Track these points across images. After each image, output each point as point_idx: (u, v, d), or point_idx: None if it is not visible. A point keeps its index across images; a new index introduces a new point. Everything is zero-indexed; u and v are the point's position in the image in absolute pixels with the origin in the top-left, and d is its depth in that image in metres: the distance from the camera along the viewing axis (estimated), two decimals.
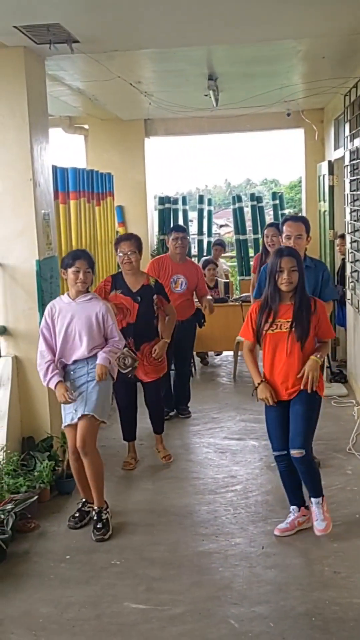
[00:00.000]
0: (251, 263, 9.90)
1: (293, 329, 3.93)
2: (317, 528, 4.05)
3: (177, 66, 6.19)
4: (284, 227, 4.70)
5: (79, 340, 4.24)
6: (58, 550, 4.06)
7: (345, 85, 6.86)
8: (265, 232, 6.33)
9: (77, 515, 4.39)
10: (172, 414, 6.52)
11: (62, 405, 4.27)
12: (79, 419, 4.18)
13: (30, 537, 4.21)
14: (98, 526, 4.22)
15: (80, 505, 4.44)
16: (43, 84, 5.22)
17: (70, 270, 4.22)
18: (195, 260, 10.27)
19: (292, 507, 4.19)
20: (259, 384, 4.03)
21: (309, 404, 3.98)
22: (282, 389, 4.01)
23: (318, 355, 3.99)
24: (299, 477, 4.10)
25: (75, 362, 4.28)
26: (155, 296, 5.19)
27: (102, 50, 5.11)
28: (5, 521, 4.00)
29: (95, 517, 4.27)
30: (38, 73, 5.09)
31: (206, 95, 7.16)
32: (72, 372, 4.29)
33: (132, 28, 4.58)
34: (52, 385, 4.23)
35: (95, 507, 4.30)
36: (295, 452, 3.94)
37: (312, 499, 4.09)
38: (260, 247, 6.72)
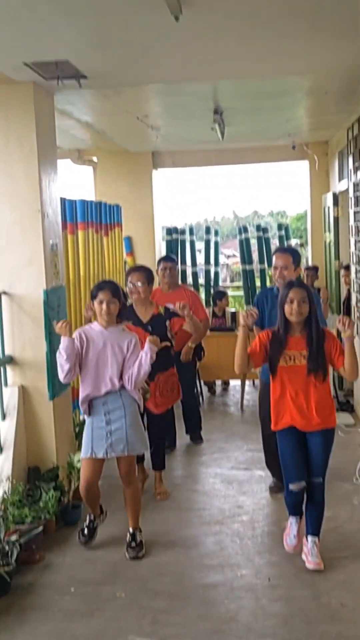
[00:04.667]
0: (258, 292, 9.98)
1: (307, 361, 3.95)
2: (312, 561, 4.04)
3: (183, 100, 6.31)
4: (273, 258, 4.95)
5: (110, 370, 4.24)
6: (63, 582, 4.03)
7: (349, 119, 6.97)
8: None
9: (86, 532, 4.49)
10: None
11: (91, 435, 4.28)
12: (120, 456, 4.31)
13: (35, 569, 4.18)
14: (132, 545, 4.35)
15: (87, 522, 4.52)
16: (52, 117, 5.33)
17: (95, 302, 4.26)
18: (202, 290, 10.37)
19: (292, 518, 4.19)
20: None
21: (329, 436, 4.06)
22: (302, 421, 4.01)
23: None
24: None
25: (107, 393, 4.26)
26: (167, 322, 5.18)
27: (110, 86, 5.23)
28: (9, 552, 3.96)
29: (130, 538, 4.39)
30: (47, 107, 5.20)
31: (212, 129, 7.28)
32: (103, 405, 4.28)
33: (139, 64, 4.68)
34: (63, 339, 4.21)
35: (131, 529, 4.42)
36: (316, 480, 4.04)
37: (309, 537, 4.12)
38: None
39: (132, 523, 4.43)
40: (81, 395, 4.30)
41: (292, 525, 4.19)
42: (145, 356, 4.23)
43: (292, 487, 4.02)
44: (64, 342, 4.20)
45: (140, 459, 5.42)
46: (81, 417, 5.14)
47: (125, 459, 4.34)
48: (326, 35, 4.17)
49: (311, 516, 4.14)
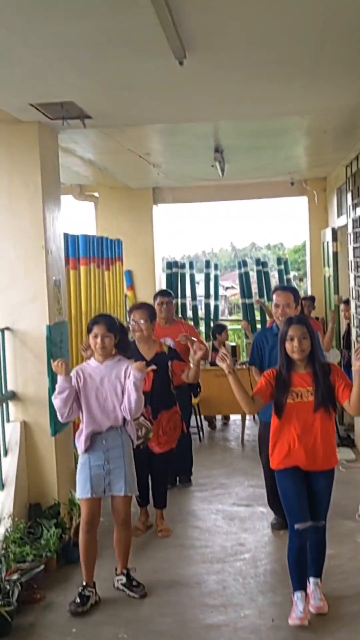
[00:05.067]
0: (258, 327, 10.02)
1: (314, 397, 3.85)
2: (315, 605, 3.92)
3: (184, 139, 6.44)
4: (274, 296, 4.89)
5: (112, 403, 4.16)
6: (64, 623, 3.97)
7: (347, 156, 7.09)
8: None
9: (77, 600, 4.10)
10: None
11: (89, 474, 4.14)
12: (116, 496, 4.18)
13: (36, 609, 4.12)
14: (134, 584, 4.28)
15: (80, 589, 4.16)
16: (56, 156, 5.41)
17: (90, 336, 4.19)
18: (202, 323, 10.41)
19: (298, 593, 3.87)
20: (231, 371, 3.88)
21: (332, 478, 3.97)
22: (306, 461, 3.87)
23: None
24: (307, 559, 3.97)
25: (109, 429, 4.17)
26: (170, 362, 5.13)
27: (114, 125, 5.33)
28: (10, 592, 3.92)
29: (125, 580, 4.30)
30: (51, 146, 5.28)
31: (212, 166, 7.40)
32: (104, 441, 4.17)
33: (142, 105, 4.79)
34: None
35: (124, 570, 4.34)
36: (319, 524, 3.92)
37: (311, 579, 4.01)
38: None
39: (122, 564, 4.34)
40: (85, 432, 4.17)
41: (297, 604, 3.85)
42: (130, 383, 4.10)
43: (297, 526, 3.84)
44: (59, 380, 4.13)
45: (145, 502, 5.34)
46: None
47: (123, 500, 4.20)
48: (325, 77, 4.27)
49: (313, 558, 3.99)
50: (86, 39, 3.39)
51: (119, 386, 4.18)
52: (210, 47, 3.56)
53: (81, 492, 4.19)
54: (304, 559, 3.93)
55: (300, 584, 3.90)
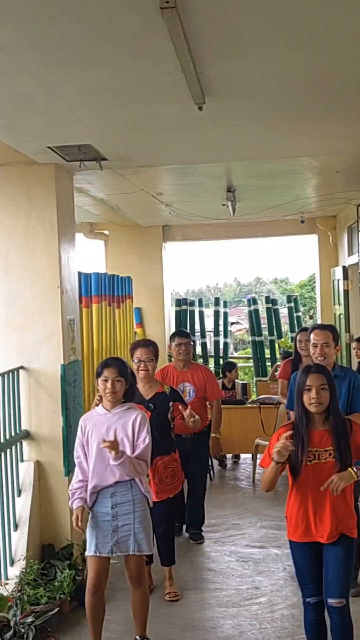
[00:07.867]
0: (267, 364, 9.99)
1: (334, 459, 3.42)
2: None
3: (197, 179, 6.53)
4: (311, 336, 4.49)
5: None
6: None
7: (358, 195, 7.17)
8: (298, 337, 5.99)
9: None
10: (184, 528, 6.01)
11: (91, 531, 3.88)
12: (127, 555, 3.89)
13: None
14: None
15: None
16: (71, 196, 5.49)
17: (100, 380, 3.89)
18: (211, 360, 10.40)
19: None
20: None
21: (349, 548, 3.47)
22: (320, 530, 3.44)
23: (356, 470, 3.40)
24: (326, 630, 3.59)
25: (117, 483, 3.84)
26: (171, 404, 4.83)
27: (129, 167, 5.41)
28: (25, 635, 3.86)
29: None
30: (67, 187, 5.36)
31: (224, 205, 7.48)
32: (111, 496, 3.85)
33: (159, 148, 4.87)
34: (73, 507, 3.92)
35: (138, 637, 4.01)
36: (334, 602, 3.41)
37: None
38: (293, 353, 6.22)
39: (139, 629, 4.01)
40: (89, 487, 3.88)
41: None
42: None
43: (309, 599, 3.54)
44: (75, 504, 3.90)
45: (149, 561, 4.80)
46: None
47: (135, 559, 3.90)
48: (341, 120, 4.33)
49: None
50: (109, 86, 3.47)
51: (126, 439, 3.85)
52: (230, 93, 3.64)
53: (87, 549, 3.93)
54: (321, 631, 3.59)
55: None
